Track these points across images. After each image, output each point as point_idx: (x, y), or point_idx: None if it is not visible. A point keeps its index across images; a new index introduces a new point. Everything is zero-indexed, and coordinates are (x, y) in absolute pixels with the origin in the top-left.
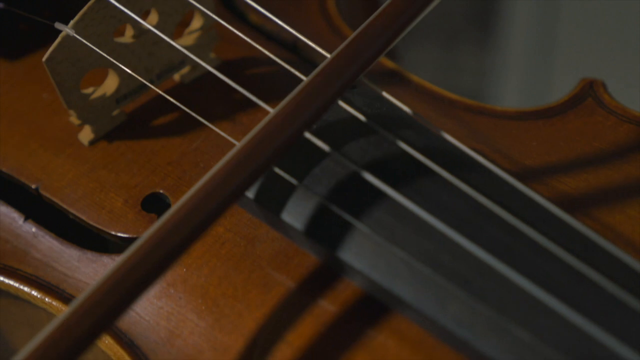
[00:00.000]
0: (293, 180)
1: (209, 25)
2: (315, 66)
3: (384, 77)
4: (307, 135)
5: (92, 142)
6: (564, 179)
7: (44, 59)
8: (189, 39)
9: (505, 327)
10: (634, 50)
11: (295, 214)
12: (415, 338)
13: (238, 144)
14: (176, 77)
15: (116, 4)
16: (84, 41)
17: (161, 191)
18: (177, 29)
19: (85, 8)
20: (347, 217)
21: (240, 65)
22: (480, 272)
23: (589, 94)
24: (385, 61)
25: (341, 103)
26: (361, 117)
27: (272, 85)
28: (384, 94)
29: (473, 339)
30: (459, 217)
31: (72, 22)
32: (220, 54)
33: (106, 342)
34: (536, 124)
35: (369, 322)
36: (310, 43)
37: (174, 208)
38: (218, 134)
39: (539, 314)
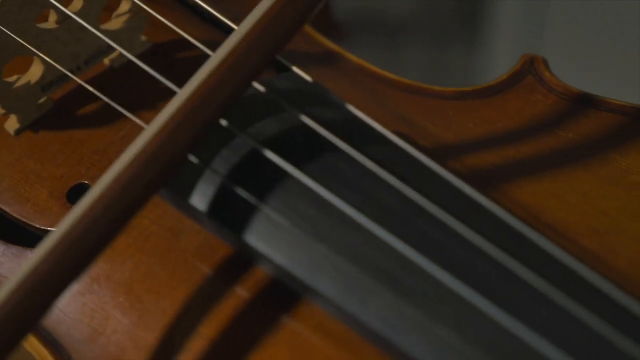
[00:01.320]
0: (195, 160)
1: (137, 8)
2: None
3: (319, 58)
4: (233, 129)
5: (19, 132)
6: (490, 158)
7: None
8: (117, 22)
9: (427, 324)
10: (623, 49)
11: (199, 195)
12: (340, 335)
13: (144, 134)
14: (106, 61)
15: None
16: (3, 29)
17: (87, 182)
18: (105, 12)
19: None
20: (249, 197)
21: (172, 48)
22: (402, 265)
23: (529, 71)
24: (326, 42)
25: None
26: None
27: None
28: (295, 68)
29: (394, 336)
30: (382, 209)
31: None
32: (152, 36)
33: (29, 342)
34: (474, 103)
35: (290, 315)
36: (231, 24)
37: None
38: (144, 122)
39: (460, 310)
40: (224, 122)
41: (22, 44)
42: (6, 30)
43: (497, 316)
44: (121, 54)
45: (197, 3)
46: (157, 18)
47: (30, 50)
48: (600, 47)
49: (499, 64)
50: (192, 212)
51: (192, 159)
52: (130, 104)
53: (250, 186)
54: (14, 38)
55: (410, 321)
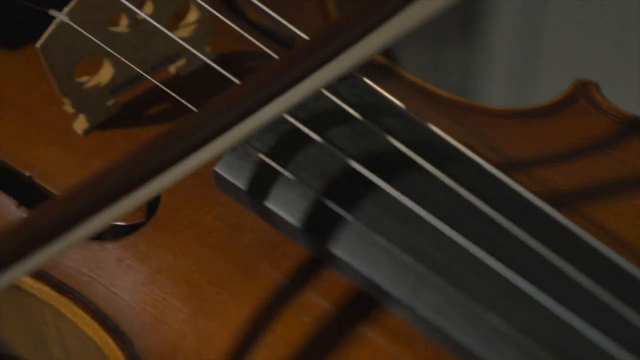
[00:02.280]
0: (282, 170)
1: (205, 18)
2: None
3: (374, 72)
4: (296, 123)
5: (87, 132)
6: (553, 176)
7: (37, 44)
8: (185, 31)
9: (480, 315)
10: (621, 50)
11: (281, 202)
12: (405, 334)
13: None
14: (172, 69)
15: None
16: (78, 28)
17: None
18: (172, 21)
19: None
20: (332, 205)
21: (236, 60)
22: (458, 260)
23: (582, 94)
24: (377, 57)
25: (327, 93)
26: (348, 109)
27: None
28: (367, 80)
29: (449, 327)
30: (441, 207)
31: (66, 9)
32: (216, 47)
33: (92, 327)
34: (528, 123)
35: (355, 314)
36: (302, 35)
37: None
38: None
39: (516, 302)
40: (311, 133)
41: (96, 44)
42: (82, 30)
43: (552, 308)
44: (187, 63)
45: (260, 22)
46: (221, 30)
47: (105, 50)
48: (599, 46)
49: (497, 64)
50: (249, 202)
51: (275, 165)
52: (197, 107)
53: (332, 193)
54: (88, 38)
55: (493, 333)
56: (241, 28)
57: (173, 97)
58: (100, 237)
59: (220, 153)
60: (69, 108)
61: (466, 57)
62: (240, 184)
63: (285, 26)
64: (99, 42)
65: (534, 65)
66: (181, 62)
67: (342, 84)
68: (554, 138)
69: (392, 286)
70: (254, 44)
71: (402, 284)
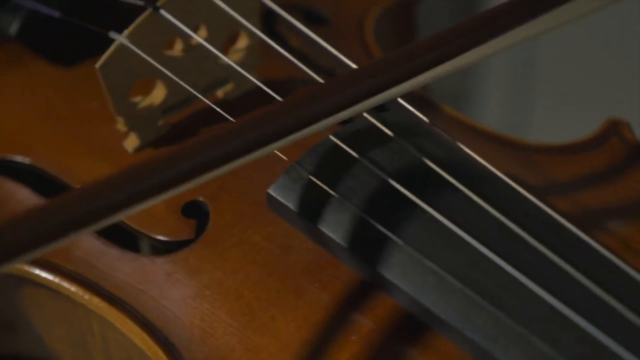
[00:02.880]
0: (333, 193)
1: (255, 45)
2: None
3: (414, 104)
4: (349, 149)
5: (137, 150)
6: (590, 205)
7: (97, 65)
8: (234, 56)
9: (528, 340)
10: (619, 58)
11: (332, 224)
12: (454, 357)
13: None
14: (219, 93)
15: (170, 17)
16: (137, 50)
17: (201, 199)
18: (223, 47)
19: (139, 19)
20: (382, 229)
21: (282, 86)
22: (507, 287)
23: (613, 133)
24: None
25: (374, 120)
26: (389, 132)
27: None
28: (414, 110)
29: (497, 351)
30: (486, 233)
31: (126, 32)
32: (262, 73)
33: (142, 338)
34: (560, 159)
35: (403, 336)
36: (350, 63)
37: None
38: None
39: (561, 328)
40: (364, 160)
41: (153, 66)
42: (140, 52)
43: (596, 335)
44: (235, 87)
45: (301, 50)
46: (269, 56)
47: (161, 73)
48: (597, 51)
49: (493, 67)
50: (301, 224)
51: (324, 187)
52: None
53: (382, 217)
54: (145, 60)
55: (513, 337)
56: (284, 56)
57: (218, 119)
58: (149, 251)
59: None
60: (121, 126)
61: (461, 82)
62: (293, 205)
63: (326, 55)
64: (156, 64)
65: (531, 66)
66: (229, 87)
67: (389, 114)
68: (585, 174)
69: (441, 310)
70: (296, 70)
71: (452, 308)
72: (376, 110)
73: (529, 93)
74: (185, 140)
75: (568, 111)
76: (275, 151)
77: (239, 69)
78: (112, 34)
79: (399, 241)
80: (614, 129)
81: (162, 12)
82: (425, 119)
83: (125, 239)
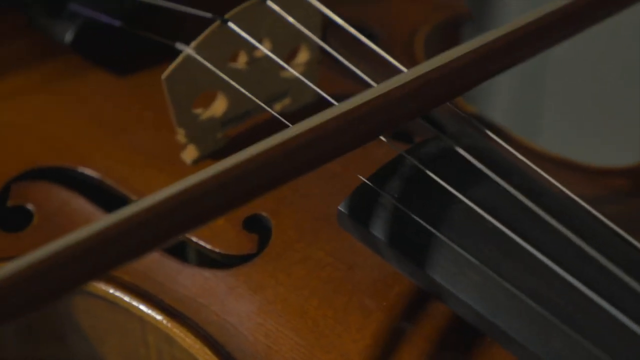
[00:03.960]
0: (403, 208)
1: (314, 60)
2: None
3: (468, 123)
4: (419, 164)
5: (195, 162)
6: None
7: (163, 76)
8: (295, 70)
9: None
10: (624, 54)
11: (404, 243)
12: None
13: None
14: (277, 107)
15: (238, 30)
16: (205, 62)
17: (262, 213)
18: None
19: (207, 31)
20: (456, 248)
21: (339, 100)
22: (585, 309)
23: None
24: (465, 105)
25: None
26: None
27: None
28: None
29: None
30: (561, 256)
31: (194, 43)
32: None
33: (203, 352)
34: (621, 181)
35: (470, 356)
36: (402, 68)
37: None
38: None
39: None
40: (436, 178)
41: (217, 78)
42: (207, 64)
43: None
44: (292, 102)
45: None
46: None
47: (226, 85)
48: (604, 54)
49: (501, 86)
50: (372, 241)
51: (399, 205)
52: None
53: (435, 221)
54: (210, 72)
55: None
56: (337, 73)
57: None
58: (211, 265)
59: None
60: (181, 137)
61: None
62: (364, 223)
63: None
64: (222, 76)
65: (539, 66)
66: (287, 101)
67: (458, 133)
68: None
69: (516, 332)
70: (352, 84)
71: (527, 329)
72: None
73: (539, 93)
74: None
75: (578, 111)
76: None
77: (303, 79)
78: (179, 45)
79: (476, 261)
80: None
81: (230, 24)
82: (496, 138)
83: (180, 251)
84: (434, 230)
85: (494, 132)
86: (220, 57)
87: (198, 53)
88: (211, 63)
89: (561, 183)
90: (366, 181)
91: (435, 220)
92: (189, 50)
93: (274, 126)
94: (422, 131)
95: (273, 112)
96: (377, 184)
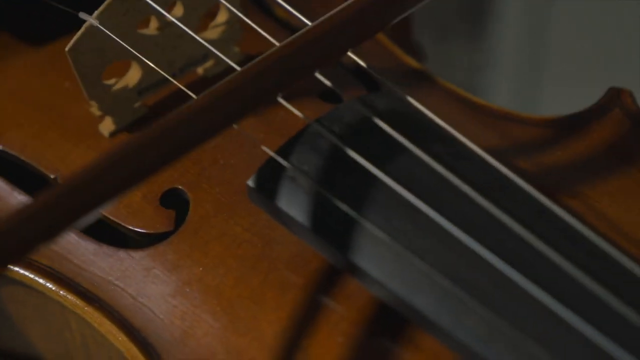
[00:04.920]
0: (315, 185)
1: (234, 19)
2: (340, 65)
3: (407, 78)
4: (327, 134)
5: (113, 134)
6: (589, 192)
7: (66, 48)
8: (214, 32)
9: (523, 343)
10: (629, 47)
11: (312, 217)
12: (432, 351)
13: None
14: (199, 70)
15: None
16: (108, 32)
17: (180, 187)
18: (202, 22)
19: None
20: (367, 225)
21: None
22: (500, 286)
23: (615, 104)
24: (409, 60)
25: (362, 106)
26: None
27: None
28: (409, 97)
29: (490, 354)
30: (479, 229)
31: (96, 13)
32: (244, 48)
33: (119, 339)
34: (560, 132)
35: (387, 334)
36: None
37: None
38: (238, 131)
39: (558, 331)
40: (347, 149)
41: (124, 48)
42: (111, 34)
43: (594, 339)
44: (215, 64)
45: (287, 21)
46: (247, 29)
47: (133, 54)
48: (604, 45)
49: (502, 59)
50: (286, 219)
51: (308, 179)
52: None
53: (348, 198)
54: (117, 42)
55: (507, 340)
56: (268, 27)
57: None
58: (126, 245)
59: None
60: (95, 110)
61: (472, 53)
62: (272, 198)
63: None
64: (127, 47)
65: (541, 61)
66: (209, 64)
67: (376, 96)
68: (586, 149)
69: (428, 310)
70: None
71: (443, 309)
72: (366, 89)
73: (538, 67)
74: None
75: (577, 85)
76: (254, 137)
77: (208, 46)
78: (83, 15)
79: (385, 237)
80: (616, 99)
81: None
82: (412, 100)
83: (104, 232)
84: (343, 205)
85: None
86: (127, 25)
87: (102, 23)
88: (118, 32)
89: (494, 136)
90: (272, 154)
91: (345, 195)
92: (91, 20)
93: (198, 90)
94: (351, 90)
95: (177, 83)
96: (286, 157)
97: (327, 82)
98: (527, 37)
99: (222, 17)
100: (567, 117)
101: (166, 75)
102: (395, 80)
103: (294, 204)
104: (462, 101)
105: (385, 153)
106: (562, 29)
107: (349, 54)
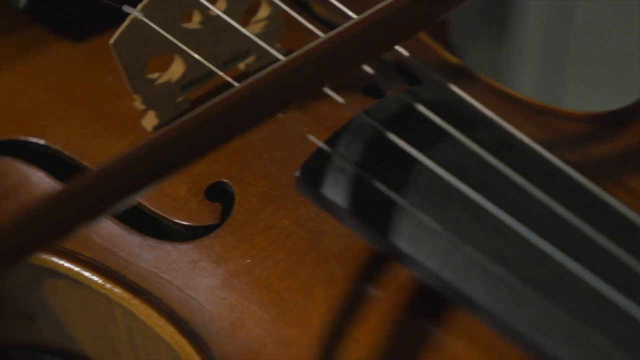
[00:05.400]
0: (369, 177)
1: (276, 14)
2: (382, 61)
3: (449, 74)
4: (377, 125)
5: (156, 128)
6: (634, 185)
7: (111, 41)
8: (256, 27)
9: (582, 333)
10: None
11: (363, 207)
12: (485, 340)
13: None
14: (241, 66)
15: None
16: (153, 25)
17: (225, 180)
18: (244, 18)
19: None
20: (421, 215)
21: None
22: (558, 275)
23: None
24: (450, 57)
25: (408, 96)
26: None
27: None
28: (454, 87)
29: (548, 344)
30: (536, 220)
31: (140, 5)
32: (285, 44)
33: (167, 331)
34: (604, 127)
35: (437, 322)
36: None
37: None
38: (283, 125)
39: (619, 322)
40: (397, 139)
41: (169, 41)
42: (155, 27)
43: None
44: (257, 59)
45: (327, 18)
46: (290, 26)
47: (177, 47)
48: (628, 46)
49: (526, 60)
50: (336, 210)
51: (358, 169)
52: None
53: (398, 187)
54: (161, 35)
55: (564, 328)
56: (309, 23)
57: None
58: (172, 238)
59: None
60: (139, 105)
61: (495, 57)
62: (322, 188)
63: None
64: (172, 39)
65: (564, 63)
66: (251, 59)
67: (423, 88)
68: (630, 141)
69: (484, 300)
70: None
71: (496, 297)
72: (409, 83)
73: (561, 70)
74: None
75: (601, 87)
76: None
77: (258, 40)
78: (126, 8)
79: (439, 226)
80: None
81: None
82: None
83: (148, 224)
84: (394, 194)
85: (469, 80)
86: (171, 18)
87: (146, 15)
88: (161, 25)
89: (538, 130)
90: (321, 144)
91: (396, 184)
92: (135, 12)
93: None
94: (394, 85)
95: (224, 75)
96: (334, 147)
97: (371, 71)
98: (551, 40)
99: (264, 12)
100: (611, 111)
101: (212, 67)
102: (439, 74)
103: (344, 194)
104: (504, 96)
105: (434, 142)
106: (585, 31)
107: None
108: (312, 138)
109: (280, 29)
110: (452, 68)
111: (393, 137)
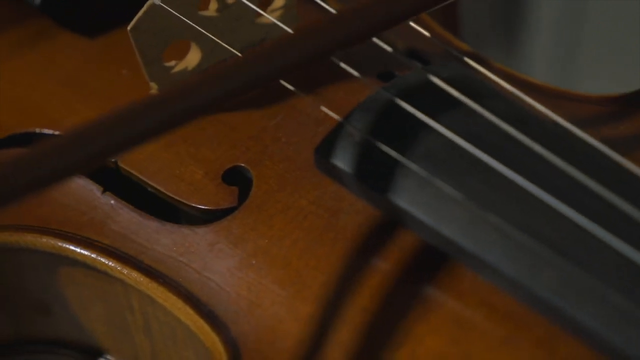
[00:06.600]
0: (390, 151)
1: (291, 4)
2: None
3: (461, 59)
4: (399, 101)
5: None
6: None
7: (129, 27)
8: (271, 16)
9: (602, 293)
10: None
11: (387, 183)
12: (505, 308)
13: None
14: None
15: None
16: (170, 10)
17: (242, 164)
18: (259, 6)
19: None
20: (442, 185)
21: None
22: (576, 237)
23: None
24: (462, 45)
25: (426, 72)
26: (449, 88)
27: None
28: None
29: (568, 306)
30: (554, 185)
31: None
32: None
33: (186, 312)
34: (617, 108)
35: (456, 293)
36: None
37: None
38: (299, 110)
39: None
40: (417, 113)
41: (187, 27)
42: (174, 12)
43: None
44: None
45: None
46: (304, 16)
47: (195, 34)
48: None
49: (536, 66)
50: (355, 186)
51: (388, 148)
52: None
53: (419, 159)
54: (179, 21)
55: (586, 291)
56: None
57: None
58: (190, 221)
59: None
60: (154, 92)
61: (505, 62)
62: (341, 164)
63: None
64: (190, 23)
65: (574, 70)
66: None
67: (440, 66)
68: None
69: (506, 266)
70: None
71: (517, 263)
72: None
73: (571, 75)
74: None
75: (613, 89)
76: (322, 109)
77: (279, 23)
78: None
79: (459, 195)
80: None
81: None
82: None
83: (165, 211)
84: (413, 165)
85: (481, 65)
86: (188, 4)
87: (164, 1)
88: (179, 11)
89: (552, 112)
90: (340, 119)
91: (415, 155)
92: None
93: None
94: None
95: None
96: (354, 121)
97: (388, 48)
98: (562, 48)
99: (279, 1)
100: (625, 94)
101: (233, 50)
102: (455, 54)
103: (362, 166)
104: (518, 81)
105: (453, 115)
106: (596, 34)
107: (412, 24)
108: (330, 112)
109: (294, 19)
110: (466, 54)
111: (412, 110)
